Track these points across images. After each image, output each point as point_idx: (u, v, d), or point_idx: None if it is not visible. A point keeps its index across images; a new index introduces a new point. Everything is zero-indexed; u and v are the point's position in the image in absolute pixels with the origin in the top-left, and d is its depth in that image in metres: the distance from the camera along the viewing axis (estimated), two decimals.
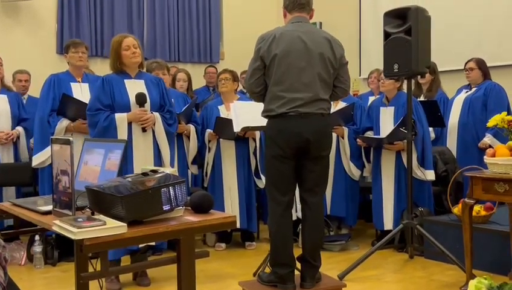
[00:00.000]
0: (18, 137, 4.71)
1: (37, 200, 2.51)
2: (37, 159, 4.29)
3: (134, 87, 3.78)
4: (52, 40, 6.58)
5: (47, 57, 6.41)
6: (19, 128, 4.73)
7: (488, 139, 4.77)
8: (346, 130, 4.87)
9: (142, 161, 3.63)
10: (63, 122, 4.20)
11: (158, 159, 3.84)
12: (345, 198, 4.92)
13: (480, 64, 5.06)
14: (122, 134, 3.69)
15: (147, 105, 3.78)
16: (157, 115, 3.82)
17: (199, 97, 5.87)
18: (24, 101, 5.37)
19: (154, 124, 3.81)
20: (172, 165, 3.90)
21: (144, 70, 4.06)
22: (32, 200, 2.54)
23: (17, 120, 4.76)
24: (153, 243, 3.73)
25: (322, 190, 3.42)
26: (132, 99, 3.74)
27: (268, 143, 3.36)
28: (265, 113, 3.35)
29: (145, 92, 3.79)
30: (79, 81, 4.38)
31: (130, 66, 3.78)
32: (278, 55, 3.23)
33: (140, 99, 3.73)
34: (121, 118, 3.71)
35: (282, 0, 3.45)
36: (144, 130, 3.77)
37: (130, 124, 3.74)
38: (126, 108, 3.75)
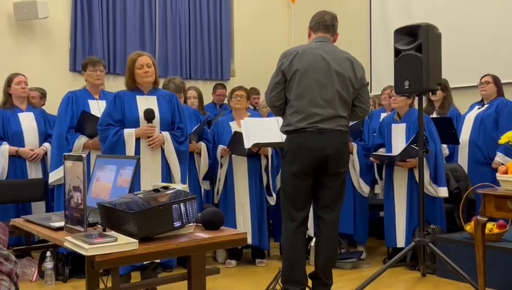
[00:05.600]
0: (46, 153, 4.72)
1: (50, 216, 2.53)
2: (54, 176, 4.29)
3: (145, 103, 3.81)
4: (65, 57, 6.66)
5: (61, 75, 6.47)
6: (46, 145, 4.74)
7: (499, 158, 4.74)
8: (355, 146, 4.85)
9: (150, 177, 3.63)
10: (81, 139, 4.21)
11: (167, 176, 3.83)
12: (353, 215, 4.88)
13: (496, 80, 5.08)
14: (130, 150, 3.71)
15: (156, 121, 3.79)
16: (166, 134, 3.82)
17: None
18: None
19: (163, 144, 3.81)
20: (184, 183, 3.88)
21: (159, 86, 4.06)
22: (46, 216, 2.56)
23: (44, 136, 4.79)
24: (158, 261, 3.70)
25: (338, 206, 3.41)
26: (141, 115, 3.77)
27: (287, 158, 3.33)
28: (285, 128, 3.35)
29: (156, 108, 3.81)
30: (96, 99, 4.41)
31: (142, 85, 3.82)
32: (299, 71, 3.27)
33: (148, 115, 3.75)
34: (129, 133, 3.74)
35: (309, 21, 3.50)
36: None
37: (138, 140, 3.76)
38: (135, 123, 3.77)
